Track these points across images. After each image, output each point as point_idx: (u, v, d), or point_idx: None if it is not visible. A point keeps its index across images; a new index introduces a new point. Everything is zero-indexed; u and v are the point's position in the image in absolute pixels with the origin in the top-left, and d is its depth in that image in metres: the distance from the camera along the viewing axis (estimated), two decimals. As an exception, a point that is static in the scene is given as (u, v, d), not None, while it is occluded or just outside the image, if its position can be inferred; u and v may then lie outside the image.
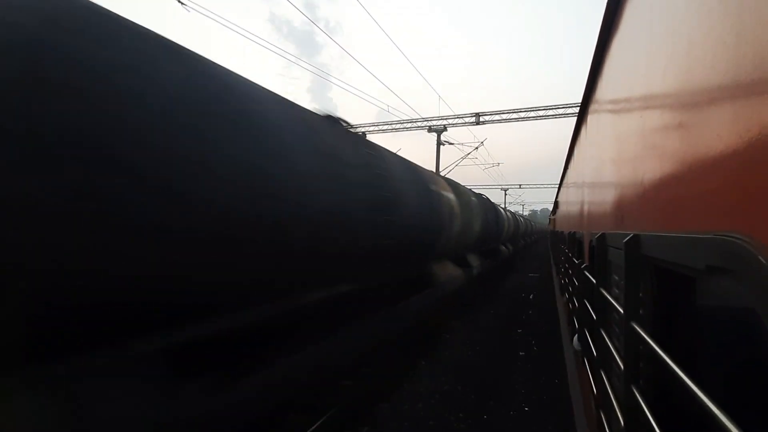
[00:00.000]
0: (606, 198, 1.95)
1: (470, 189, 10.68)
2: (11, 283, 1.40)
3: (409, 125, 21.60)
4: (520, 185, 49.78)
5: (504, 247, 15.81)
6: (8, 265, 1.39)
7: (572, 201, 5.00)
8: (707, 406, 0.54)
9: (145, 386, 1.83)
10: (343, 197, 3.34)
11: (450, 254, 7.47)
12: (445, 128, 20.28)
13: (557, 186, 11.75)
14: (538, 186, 49.34)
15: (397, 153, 5.83)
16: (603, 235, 1.72)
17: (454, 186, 8.08)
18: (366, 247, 3.74)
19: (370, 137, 10.32)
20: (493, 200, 15.70)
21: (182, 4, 7.09)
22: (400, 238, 4.44)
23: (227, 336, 2.42)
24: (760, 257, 0.47)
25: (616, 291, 1.53)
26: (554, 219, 14.08)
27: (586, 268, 2.49)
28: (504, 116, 19.38)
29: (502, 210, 15.46)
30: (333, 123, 3.97)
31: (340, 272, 3.61)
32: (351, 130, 4.36)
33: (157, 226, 1.82)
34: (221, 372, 2.32)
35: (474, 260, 9.61)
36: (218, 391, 2.23)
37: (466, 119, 20.12)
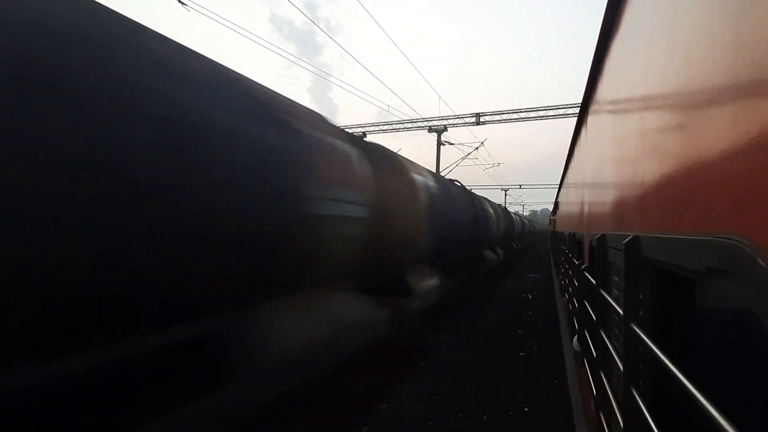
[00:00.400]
0: (606, 199, 1.95)
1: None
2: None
3: (409, 125, 21.62)
4: (520, 185, 49.81)
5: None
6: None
7: (572, 202, 5.00)
8: (706, 408, 0.54)
9: None
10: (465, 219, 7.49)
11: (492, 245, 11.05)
12: (445, 128, 20.30)
13: (557, 186, 11.75)
14: (538, 186, 49.39)
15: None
16: (603, 236, 1.72)
17: (485, 200, 9.20)
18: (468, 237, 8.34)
19: (370, 137, 10.32)
20: (493, 200, 15.60)
21: (183, 4, 7.10)
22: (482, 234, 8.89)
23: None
24: (759, 259, 0.47)
25: (616, 292, 1.53)
26: (554, 219, 14.09)
27: (586, 269, 2.49)
28: (504, 116, 19.39)
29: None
30: (456, 183, 8.89)
31: (462, 248, 8.34)
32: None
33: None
34: None
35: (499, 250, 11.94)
36: None
37: (467, 119, 20.13)
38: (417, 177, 5.45)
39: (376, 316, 3.89)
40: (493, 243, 12.75)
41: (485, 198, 13.10)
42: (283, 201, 2.55)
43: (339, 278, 3.56)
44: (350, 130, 4.63)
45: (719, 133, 0.63)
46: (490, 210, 11.72)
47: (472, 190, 11.73)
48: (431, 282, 5.93)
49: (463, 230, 7.83)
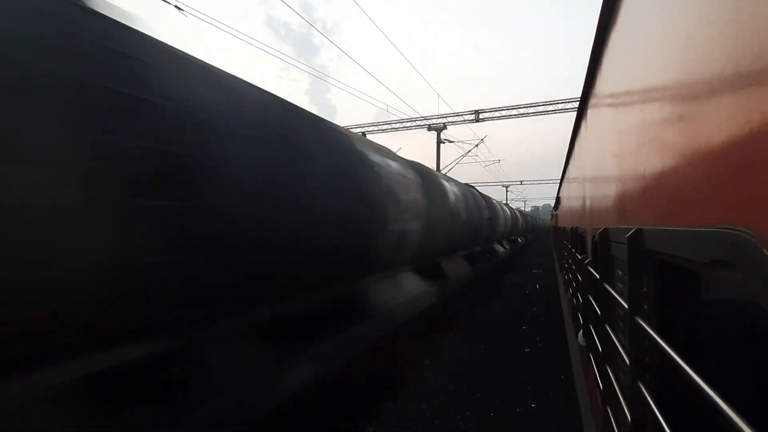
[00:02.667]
0: (608, 193, 1.95)
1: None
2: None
3: (408, 124, 21.60)
4: (521, 182, 49.67)
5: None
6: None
7: (574, 196, 4.98)
8: (713, 399, 0.54)
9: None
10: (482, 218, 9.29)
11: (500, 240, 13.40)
12: (444, 126, 20.27)
13: (558, 182, 11.72)
14: (539, 182, 49.27)
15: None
16: (606, 230, 1.71)
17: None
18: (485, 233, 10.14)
19: (369, 137, 10.31)
20: (494, 197, 15.57)
21: (179, 9, 7.11)
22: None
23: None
24: (764, 250, 0.46)
25: (620, 286, 1.52)
26: (556, 215, 14.05)
27: (589, 263, 2.49)
28: (503, 113, 19.34)
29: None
30: (474, 190, 10.53)
31: (480, 242, 10.22)
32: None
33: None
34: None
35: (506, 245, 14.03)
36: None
37: (466, 117, 20.09)
38: (447, 186, 7.40)
39: (429, 289, 6.17)
40: (501, 238, 14.69)
41: (495, 199, 14.73)
42: (379, 224, 4.24)
43: (406, 264, 5.74)
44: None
45: (721, 123, 0.63)
46: (499, 209, 13.71)
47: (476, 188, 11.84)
48: (460, 269, 8.28)
49: (480, 228, 9.80)
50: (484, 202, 10.94)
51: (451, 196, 7.28)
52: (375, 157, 4.58)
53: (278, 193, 2.61)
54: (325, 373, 3.12)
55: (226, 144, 2.23)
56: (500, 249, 13.73)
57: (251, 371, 2.45)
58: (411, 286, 5.64)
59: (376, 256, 4.32)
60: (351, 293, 4.05)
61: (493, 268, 12.08)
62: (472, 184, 12.24)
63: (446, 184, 7.30)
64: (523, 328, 7.85)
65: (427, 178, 6.27)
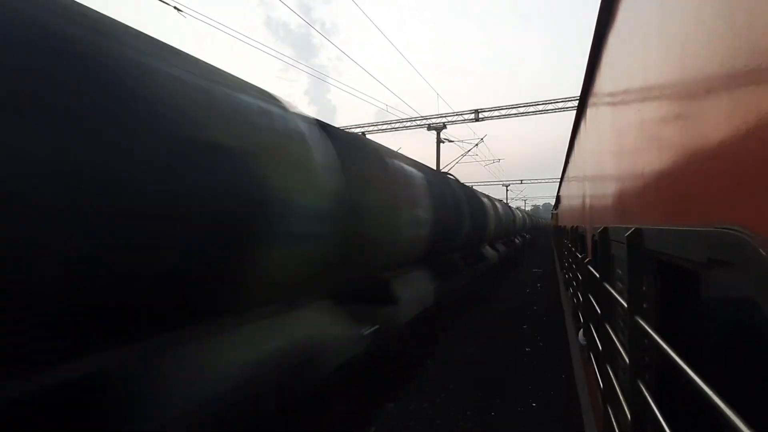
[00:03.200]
0: (607, 192, 1.95)
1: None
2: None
3: (408, 124, 21.60)
4: (521, 181, 49.67)
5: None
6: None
7: (574, 196, 4.99)
8: (712, 399, 0.54)
9: None
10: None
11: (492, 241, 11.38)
12: (444, 126, 20.27)
13: (558, 181, 11.72)
14: (539, 181, 49.25)
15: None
16: (605, 230, 1.72)
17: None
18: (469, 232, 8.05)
19: (369, 137, 10.31)
20: (495, 196, 15.49)
21: (178, 10, 7.11)
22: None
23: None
24: (761, 249, 0.47)
25: (620, 285, 1.53)
26: (556, 214, 14.04)
27: (589, 262, 2.49)
28: (503, 112, 19.35)
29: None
30: (451, 179, 8.78)
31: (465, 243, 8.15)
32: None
33: None
34: None
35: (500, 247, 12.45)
36: None
37: (465, 116, 20.09)
38: (407, 172, 5.03)
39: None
40: (493, 239, 12.15)
41: (483, 193, 12.60)
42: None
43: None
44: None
45: (718, 123, 0.63)
46: (488, 204, 11.09)
47: (473, 187, 11.63)
48: (418, 288, 5.35)
49: (460, 226, 7.25)
50: (466, 192, 8.57)
51: (407, 179, 4.83)
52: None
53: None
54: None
55: None
56: (491, 253, 11.40)
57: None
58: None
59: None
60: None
61: (479, 278, 9.65)
62: (473, 184, 11.83)
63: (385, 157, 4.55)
64: (524, 327, 7.85)
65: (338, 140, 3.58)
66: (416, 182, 5.21)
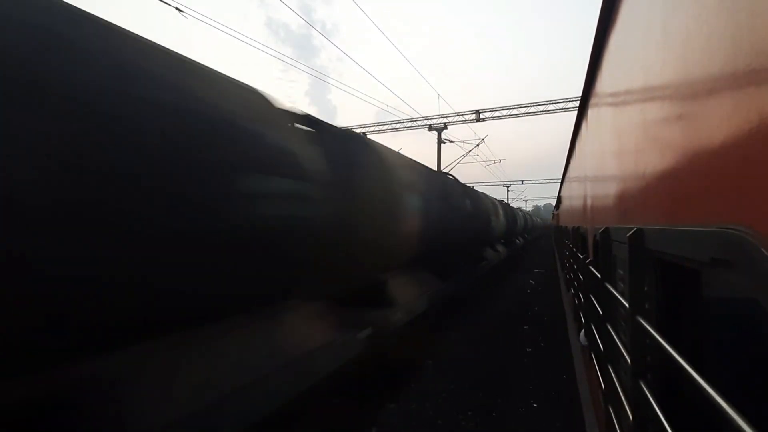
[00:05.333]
0: (609, 192, 1.95)
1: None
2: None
3: (409, 124, 21.61)
4: (522, 181, 49.63)
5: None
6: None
7: (575, 196, 4.98)
8: (713, 398, 0.54)
9: None
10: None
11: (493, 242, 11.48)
12: (445, 126, 20.27)
13: (559, 181, 11.71)
14: (540, 181, 49.25)
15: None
16: (607, 230, 1.72)
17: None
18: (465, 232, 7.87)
19: (370, 137, 10.32)
20: (496, 197, 15.47)
21: (180, 11, 7.13)
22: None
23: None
24: (763, 249, 0.47)
25: (621, 285, 1.52)
26: (557, 214, 14.02)
27: (590, 263, 2.49)
28: (504, 112, 19.34)
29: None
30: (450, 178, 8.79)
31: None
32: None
33: None
34: None
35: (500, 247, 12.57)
36: None
37: (466, 116, 20.08)
38: (400, 171, 4.85)
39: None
40: (494, 240, 12.07)
41: (484, 193, 12.62)
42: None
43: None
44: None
45: (720, 123, 0.63)
46: (489, 205, 11.12)
47: (474, 187, 11.61)
48: (419, 289, 5.38)
49: (460, 227, 7.26)
50: (465, 193, 8.50)
51: (401, 177, 4.73)
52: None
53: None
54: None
55: None
56: (492, 254, 11.31)
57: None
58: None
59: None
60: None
61: (480, 279, 9.66)
62: (474, 184, 11.84)
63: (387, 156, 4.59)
64: (525, 327, 7.84)
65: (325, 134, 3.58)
66: (412, 181, 5.16)
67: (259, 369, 2.36)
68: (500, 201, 16.04)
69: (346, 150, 3.71)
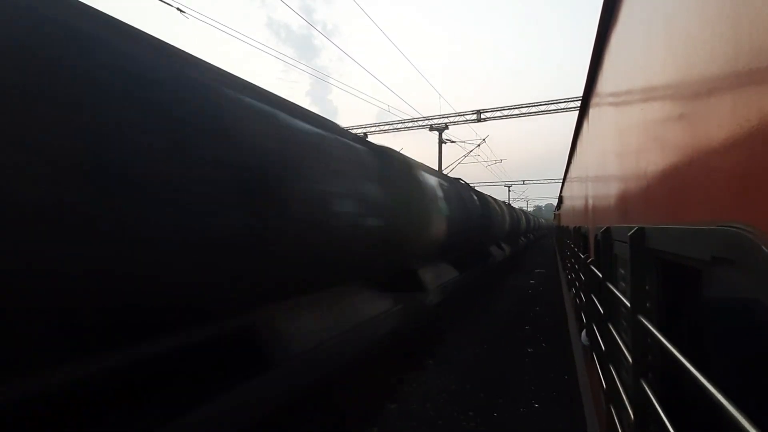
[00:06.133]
0: (610, 192, 1.95)
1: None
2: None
3: (410, 124, 21.60)
4: (523, 181, 49.59)
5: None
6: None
7: (576, 196, 4.97)
8: (715, 397, 0.54)
9: None
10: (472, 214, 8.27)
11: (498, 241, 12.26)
12: (446, 126, 20.26)
13: (561, 181, 11.69)
14: (541, 182, 49.16)
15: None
16: (608, 229, 1.71)
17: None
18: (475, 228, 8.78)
19: (371, 137, 10.33)
20: (497, 197, 15.49)
21: (181, 11, 7.14)
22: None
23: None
24: (764, 247, 0.47)
25: (623, 285, 1.52)
26: (559, 214, 14.00)
27: (591, 262, 2.48)
28: (505, 112, 19.31)
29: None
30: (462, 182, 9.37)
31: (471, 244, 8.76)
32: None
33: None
34: None
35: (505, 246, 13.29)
36: None
37: (468, 116, 20.07)
38: (425, 177, 6.08)
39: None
40: (498, 239, 13.16)
41: (491, 196, 13.39)
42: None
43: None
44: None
45: (721, 122, 0.63)
46: (495, 207, 12.07)
47: (475, 188, 11.70)
48: (443, 277, 6.86)
49: (472, 227, 8.47)
50: (476, 196, 9.81)
51: (429, 186, 6.02)
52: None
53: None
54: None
55: None
56: (498, 251, 12.46)
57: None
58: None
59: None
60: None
61: (488, 272, 10.70)
62: (475, 184, 12.10)
63: (420, 172, 5.86)
64: (527, 327, 7.83)
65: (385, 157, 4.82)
66: (437, 189, 6.45)
67: (337, 328, 3.52)
68: (505, 203, 16.43)
69: (399, 175, 5.02)
